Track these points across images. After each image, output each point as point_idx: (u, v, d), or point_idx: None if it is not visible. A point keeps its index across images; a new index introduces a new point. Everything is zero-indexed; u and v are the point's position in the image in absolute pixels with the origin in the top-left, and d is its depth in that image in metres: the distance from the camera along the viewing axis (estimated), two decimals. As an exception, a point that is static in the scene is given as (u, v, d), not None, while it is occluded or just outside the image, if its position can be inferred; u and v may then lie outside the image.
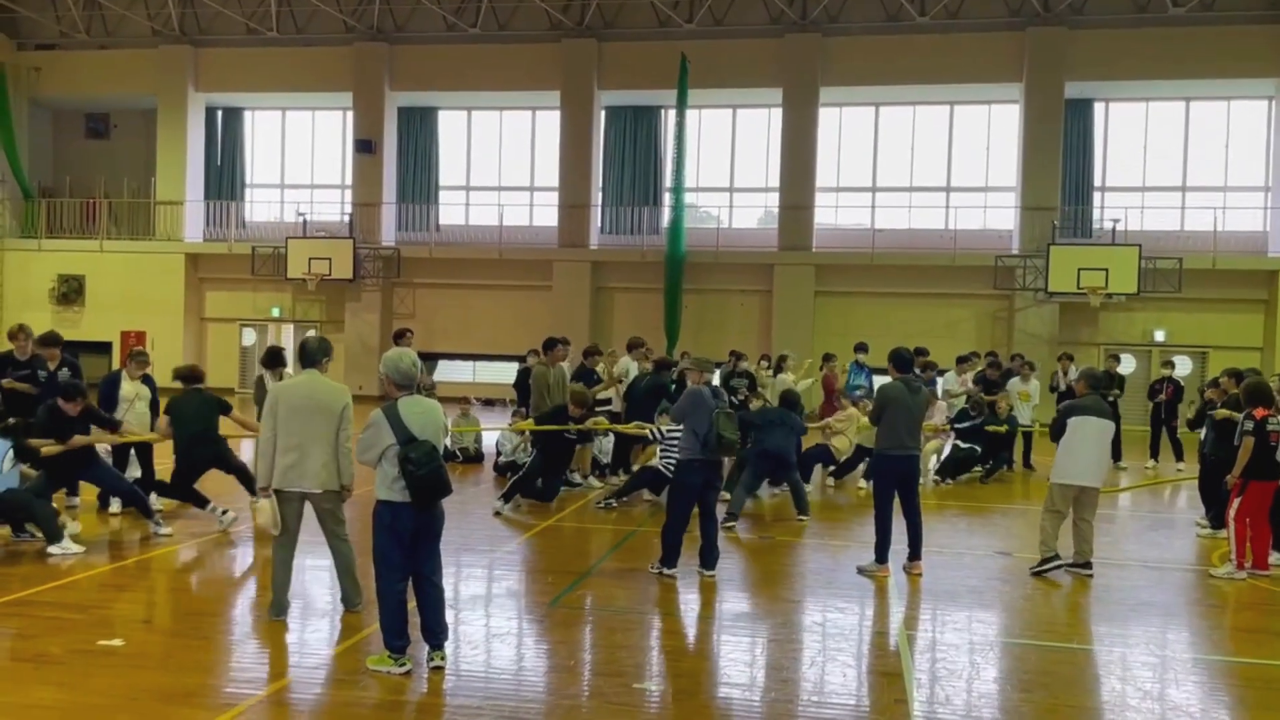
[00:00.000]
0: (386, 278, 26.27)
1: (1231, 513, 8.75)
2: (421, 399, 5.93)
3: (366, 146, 26.35)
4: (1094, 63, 23.34)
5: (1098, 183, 24.81)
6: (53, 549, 8.29)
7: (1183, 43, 22.76)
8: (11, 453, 8.60)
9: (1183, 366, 20.55)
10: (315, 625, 6.80)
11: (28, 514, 8.55)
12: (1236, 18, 22.67)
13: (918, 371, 9.96)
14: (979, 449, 13.69)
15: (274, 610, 6.72)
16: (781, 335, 23.93)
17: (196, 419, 9.54)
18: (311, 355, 6.77)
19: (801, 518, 10.84)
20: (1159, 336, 23.20)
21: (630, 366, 13.57)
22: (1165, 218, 24.21)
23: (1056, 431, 8.71)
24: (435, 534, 5.90)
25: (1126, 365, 22.27)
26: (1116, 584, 8.51)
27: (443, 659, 5.88)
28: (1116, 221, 22.91)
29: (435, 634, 5.88)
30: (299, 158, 28.56)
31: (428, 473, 5.63)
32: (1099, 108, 24.78)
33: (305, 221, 26.18)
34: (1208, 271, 22.41)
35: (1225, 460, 9.22)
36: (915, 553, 8.63)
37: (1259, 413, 8.58)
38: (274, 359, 10.03)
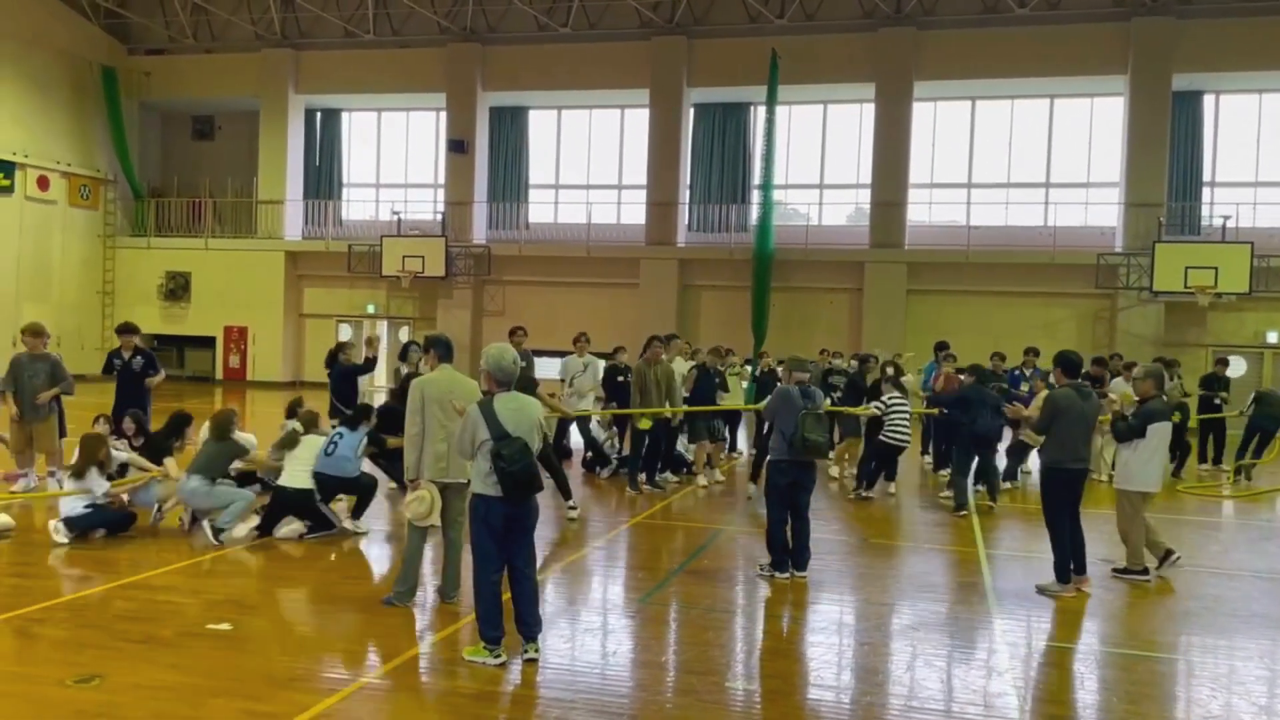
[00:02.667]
0: (477, 275, 26.67)
1: None
2: (519, 396, 6.03)
3: (459, 146, 26.79)
4: (1203, 54, 22.42)
5: (1207, 178, 23.84)
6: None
7: (1299, 31, 21.73)
8: (365, 442, 9.59)
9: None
10: (417, 614, 6.93)
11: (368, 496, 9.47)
12: (1360, 3, 21.55)
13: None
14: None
15: (406, 597, 6.95)
16: (872, 334, 23.57)
17: None
18: (450, 350, 7.10)
19: (991, 504, 11.09)
20: (1271, 338, 22.19)
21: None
22: (1279, 214, 23.14)
23: (1131, 433, 8.26)
24: (528, 528, 5.97)
25: (1236, 368, 21.34)
26: (1228, 594, 8.17)
27: (537, 651, 5.95)
28: (1227, 218, 21.98)
29: (530, 626, 5.94)
30: (393, 157, 29.20)
31: (518, 469, 5.72)
32: (1208, 100, 23.80)
33: (399, 220, 26.74)
34: (1325, 270, 21.38)
35: None
36: (1080, 567, 8.11)
37: None
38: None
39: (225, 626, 6.45)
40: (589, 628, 6.94)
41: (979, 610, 7.49)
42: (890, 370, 12.74)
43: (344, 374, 13.00)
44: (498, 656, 5.88)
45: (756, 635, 7.02)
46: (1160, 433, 8.29)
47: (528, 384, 10.64)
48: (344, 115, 29.31)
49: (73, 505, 8.74)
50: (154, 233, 28.89)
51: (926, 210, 25.42)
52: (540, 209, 27.99)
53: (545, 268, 26.36)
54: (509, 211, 27.52)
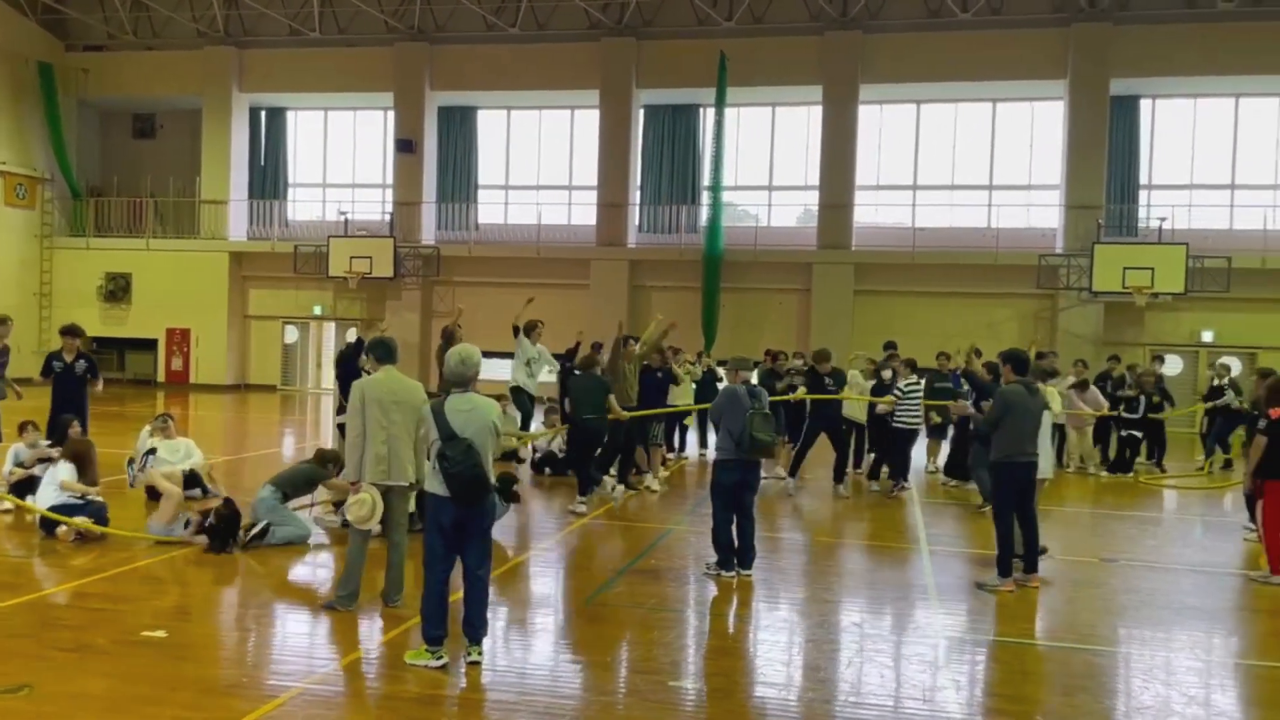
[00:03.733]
0: (426, 276, 26.46)
1: (1260, 517, 8.65)
2: (473, 397, 5.99)
3: (407, 146, 26.55)
4: (1140, 59, 22.93)
5: (1144, 181, 24.38)
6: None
7: (1232, 38, 22.30)
8: None
9: (1234, 368, 20.11)
10: (359, 618, 6.85)
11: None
12: (1286, 12, 22.19)
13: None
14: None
15: (348, 601, 6.86)
16: (820, 334, 23.74)
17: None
18: (391, 351, 7.00)
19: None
20: (1207, 337, 22.76)
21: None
22: (1214, 216, 23.74)
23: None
24: (481, 529, 5.93)
25: (1172, 366, 21.90)
26: (1163, 588, 8.37)
27: (480, 654, 5.92)
28: (1163, 220, 22.49)
29: (475, 628, 5.91)
30: (341, 157, 28.86)
31: (459, 470, 5.70)
32: (1145, 104, 24.35)
33: (346, 220, 26.44)
34: (1257, 271, 21.95)
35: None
36: (1032, 565, 8.18)
37: (1274, 412, 8.50)
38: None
39: (161, 634, 6.32)
40: (535, 628, 6.92)
41: (921, 606, 7.59)
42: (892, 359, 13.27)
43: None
44: (439, 658, 5.83)
45: (702, 634, 7.04)
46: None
47: (597, 389, 10.80)
48: (289, 114, 28.90)
49: (56, 496, 8.79)
50: (93, 233, 28.25)
51: (873, 212, 25.70)
52: (490, 210, 27.84)
53: (495, 268, 26.21)
54: (458, 212, 27.34)
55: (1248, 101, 23.91)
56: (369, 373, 7.54)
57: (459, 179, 27.51)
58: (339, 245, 25.93)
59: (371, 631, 6.61)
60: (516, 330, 12.82)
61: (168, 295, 27.20)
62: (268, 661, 6.11)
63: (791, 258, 24.87)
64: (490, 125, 27.93)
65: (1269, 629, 7.50)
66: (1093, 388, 14.99)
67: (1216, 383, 15.78)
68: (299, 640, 6.55)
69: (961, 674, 6.13)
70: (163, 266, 27.35)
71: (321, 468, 9.29)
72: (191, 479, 10.40)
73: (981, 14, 23.49)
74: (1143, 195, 24.27)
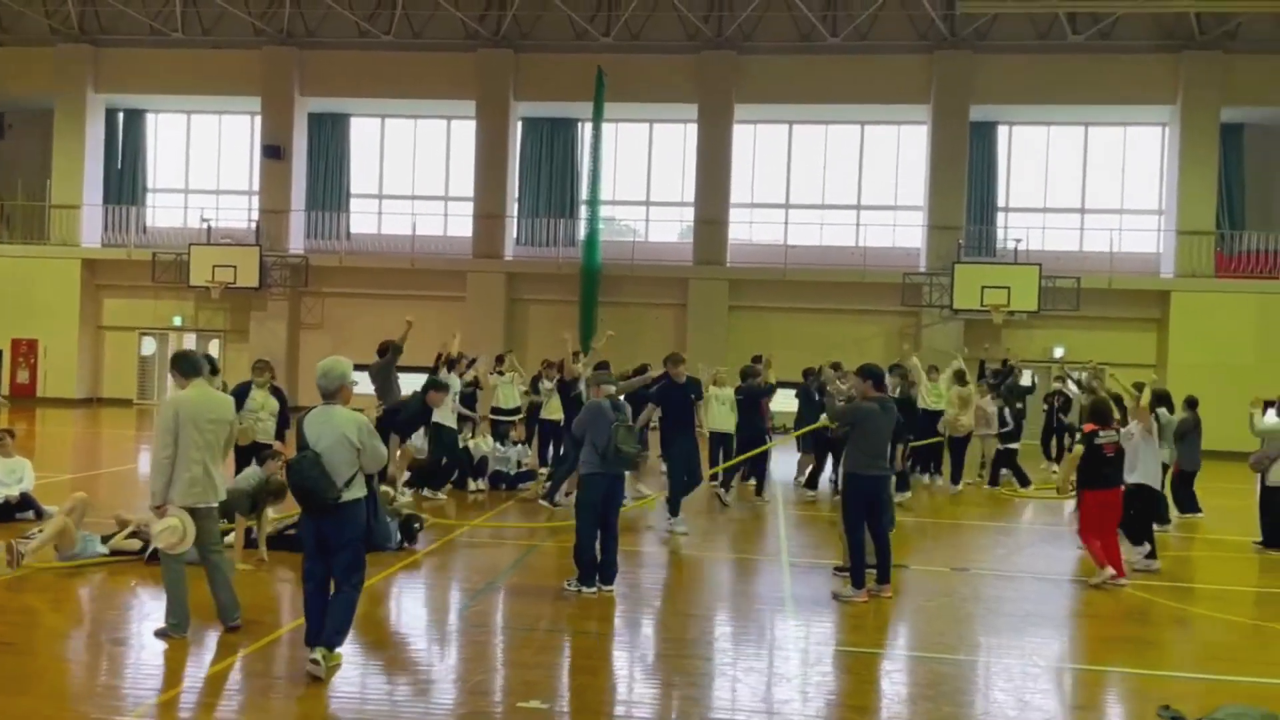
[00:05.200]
0: (294, 286, 25.68)
1: (1077, 525, 9.32)
2: (329, 409, 6.02)
3: (275, 152, 25.76)
4: (997, 87, 24.04)
5: (1001, 203, 25.53)
6: None
7: (1081, 70, 23.59)
8: None
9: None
10: (192, 645, 6.52)
11: None
12: (1132, 47, 23.59)
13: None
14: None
15: (179, 629, 6.52)
16: (696, 349, 23.95)
17: None
18: (197, 366, 6.65)
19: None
20: (1058, 353, 23.88)
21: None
22: (1065, 238, 25.05)
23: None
24: (343, 542, 5.93)
25: (1026, 380, 22.88)
26: (1008, 595, 8.69)
27: (316, 664, 5.80)
28: (1018, 241, 23.60)
29: (327, 634, 5.91)
30: (204, 162, 27.79)
31: (298, 480, 5.81)
32: (1002, 131, 25.52)
33: (209, 228, 25.47)
34: (1104, 291, 23.21)
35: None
36: (884, 575, 8.33)
37: (1088, 427, 9.22)
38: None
39: (-25, 667, 5.90)
40: (385, 649, 6.72)
41: (777, 618, 7.68)
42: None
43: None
44: (317, 664, 5.85)
45: (559, 652, 6.96)
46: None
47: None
48: (149, 116, 27.70)
49: None
50: (-69, 237, 26.48)
51: (748, 229, 26.17)
52: (362, 219, 27.25)
53: (368, 279, 25.64)
54: (329, 221, 26.65)
55: (1096, 130, 25.31)
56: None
57: (330, 187, 26.85)
58: (201, 253, 24.94)
59: (207, 658, 6.30)
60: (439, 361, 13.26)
61: (13, 303, 25.63)
62: (93, 693, 5.76)
63: (668, 273, 25.09)
64: (363, 133, 27.37)
65: (1099, 634, 7.86)
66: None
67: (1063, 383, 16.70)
68: (130, 669, 6.19)
69: (810, 685, 6.22)
70: (8, 273, 25.77)
71: None
72: (24, 502, 9.83)
73: (850, 39, 24.23)
74: (1000, 217, 25.41)
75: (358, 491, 6.01)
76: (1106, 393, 11.19)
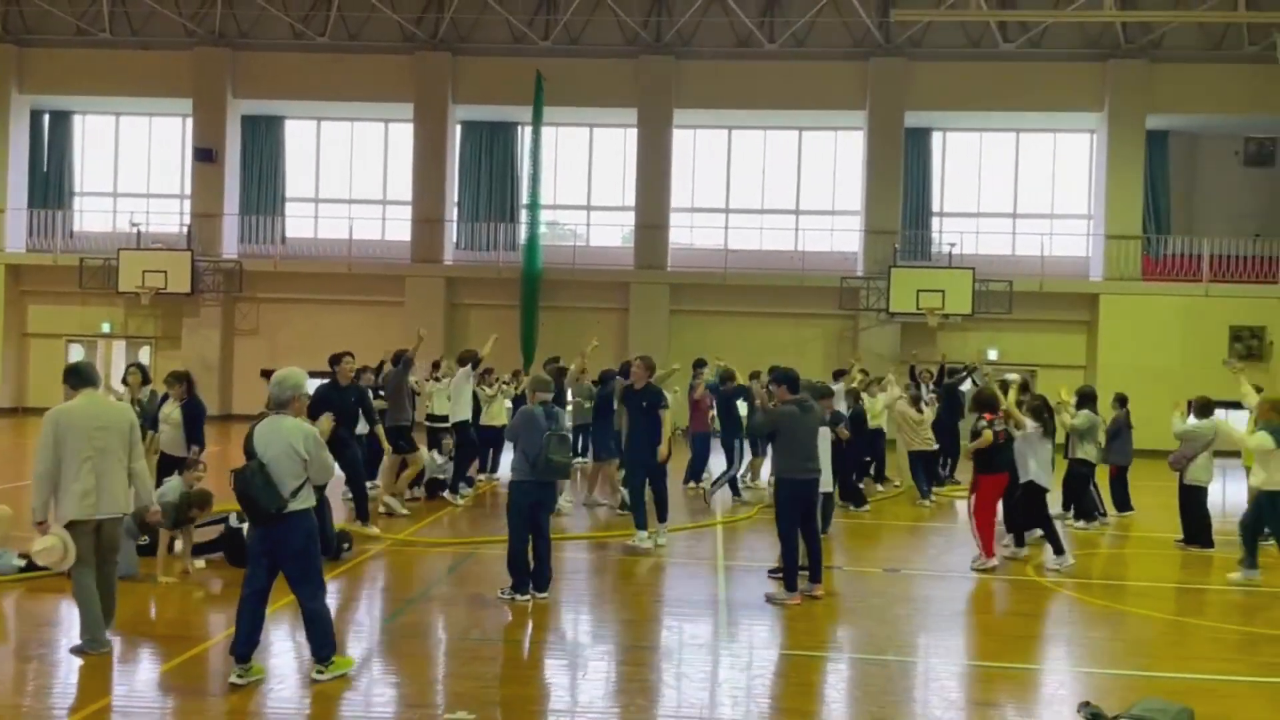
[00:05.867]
0: (228, 292, 25.20)
1: (971, 505, 9.89)
2: (276, 419, 6.07)
3: (207, 155, 25.26)
4: (931, 94, 24.43)
5: (936, 208, 25.94)
6: None
7: (1012, 77, 24.07)
8: None
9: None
10: (109, 661, 6.35)
11: None
12: (1061, 55, 24.14)
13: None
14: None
15: (96, 645, 6.34)
16: (638, 353, 23.96)
17: None
18: (85, 377, 6.50)
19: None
20: (992, 355, 24.28)
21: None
22: (997, 243, 25.52)
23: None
24: (290, 552, 5.97)
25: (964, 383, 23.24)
26: (937, 595, 8.80)
27: (319, 672, 6.01)
28: (953, 246, 24.00)
29: (314, 648, 6.06)
30: (134, 165, 27.14)
31: (240, 490, 5.83)
32: (937, 137, 25.94)
33: (139, 232, 24.89)
34: (1035, 294, 23.69)
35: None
36: (816, 575, 8.42)
37: (988, 416, 9.82)
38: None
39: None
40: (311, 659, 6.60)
41: (710, 622, 7.70)
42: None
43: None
44: (240, 677, 5.86)
45: (491, 661, 6.89)
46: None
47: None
48: (77, 118, 27.00)
49: None
50: None
51: (688, 233, 26.27)
52: (298, 223, 26.83)
53: (304, 285, 25.24)
54: (263, 225, 26.20)
55: (1027, 136, 25.85)
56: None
57: (264, 191, 26.40)
58: (130, 258, 24.35)
59: (125, 673, 6.14)
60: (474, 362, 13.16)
61: (-68, 310, 24.83)
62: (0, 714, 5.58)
63: (609, 277, 25.08)
64: (299, 136, 26.96)
65: (1025, 632, 8.00)
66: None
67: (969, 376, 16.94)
68: (42, 686, 6.01)
69: (739, 688, 6.25)
70: (-73, 279, 24.95)
71: None
72: None
73: (788, 45, 24.46)
74: (935, 222, 25.81)
75: (305, 501, 6.02)
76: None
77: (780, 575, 8.57)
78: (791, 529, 8.32)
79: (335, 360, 10.78)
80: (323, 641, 6.04)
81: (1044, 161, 25.92)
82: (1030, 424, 10.10)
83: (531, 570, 8.16)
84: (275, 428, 6.01)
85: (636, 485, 10.62)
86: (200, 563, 8.90)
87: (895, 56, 24.40)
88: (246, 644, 5.91)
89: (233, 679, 5.83)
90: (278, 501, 5.86)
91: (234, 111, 25.71)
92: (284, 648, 6.77)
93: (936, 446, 14.78)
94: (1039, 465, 10.14)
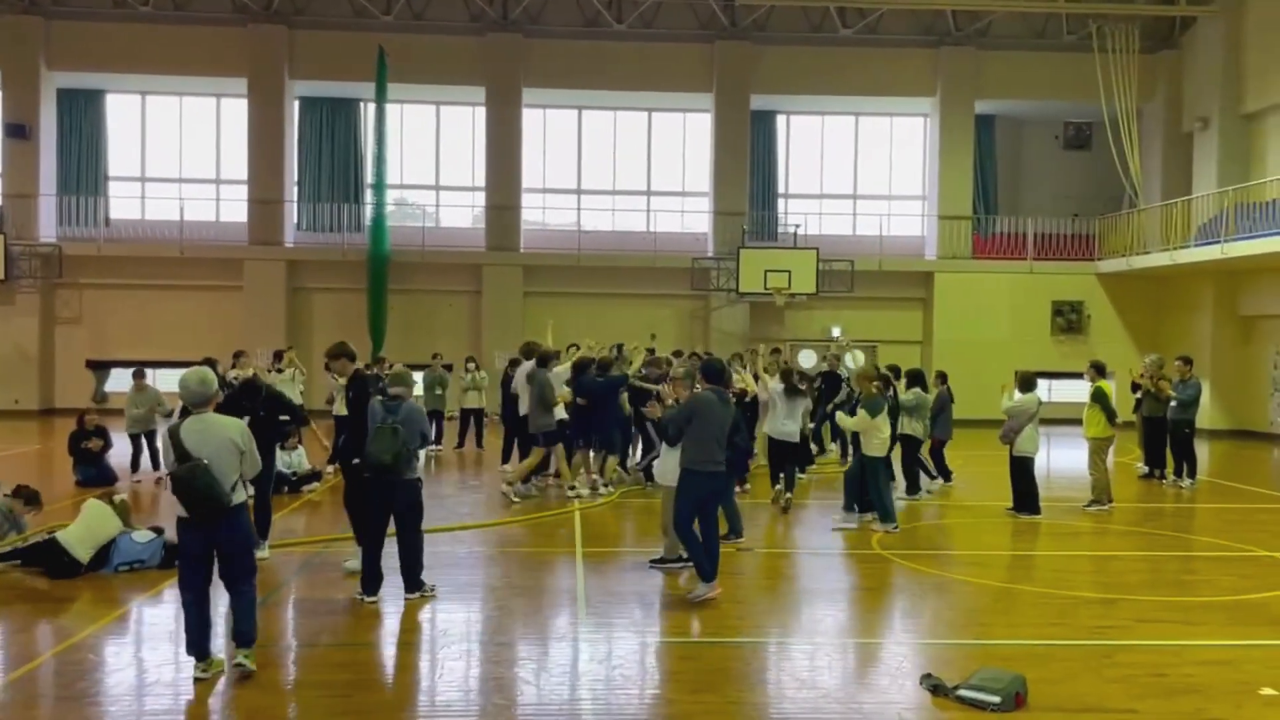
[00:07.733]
0: (46, 278, 23.57)
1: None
2: (206, 417, 6.08)
3: (19, 131, 23.52)
4: (775, 77, 24.98)
5: (781, 190, 26.58)
6: None
7: (851, 62, 24.87)
8: None
9: (855, 359, 22.34)
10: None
11: None
12: (896, 41, 25.07)
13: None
14: None
15: None
16: (492, 336, 23.83)
17: None
18: None
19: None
20: (836, 332, 25.17)
21: None
22: (839, 223, 26.39)
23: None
24: (235, 548, 6.09)
25: (807, 359, 24.04)
26: (786, 572, 9.06)
27: (246, 657, 6.12)
28: (798, 226, 24.67)
29: (244, 633, 6.16)
30: (-66, 141, 24.96)
31: (187, 489, 5.84)
32: (781, 120, 26.54)
33: (-57, 214, 22.99)
34: (875, 273, 24.63)
35: None
36: (711, 574, 8.17)
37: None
38: None
39: None
40: (143, 669, 6.26)
41: (568, 613, 7.70)
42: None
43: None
44: (202, 670, 6.05)
45: (343, 667, 6.69)
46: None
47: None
48: None
49: None
50: None
51: (540, 214, 26.09)
52: (123, 204, 25.32)
53: (131, 269, 23.86)
54: (84, 206, 24.59)
55: (865, 120, 26.74)
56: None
57: (85, 169, 24.79)
58: (-67, 243, 22.46)
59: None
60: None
61: None
62: None
63: (461, 259, 24.69)
64: (122, 111, 25.39)
65: (868, 606, 8.32)
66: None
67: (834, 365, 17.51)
68: None
69: (599, 679, 6.27)
70: None
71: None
72: None
73: (635, 26, 24.51)
74: (780, 203, 26.46)
75: (241, 496, 6.16)
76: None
77: (664, 564, 8.84)
78: (688, 522, 8.05)
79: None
80: (253, 625, 6.22)
81: (882, 144, 26.90)
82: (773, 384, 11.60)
83: (383, 571, 7.97)
84: (205, 426, 6.03)
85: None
86: None
87: (741, 40, 24.79)
88: (201, 641, 6.09)
89: (196, 674, 6.04)
90: (226, 496, 5.95)
91: (48, 85, 24.03)
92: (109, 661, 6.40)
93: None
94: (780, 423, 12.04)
